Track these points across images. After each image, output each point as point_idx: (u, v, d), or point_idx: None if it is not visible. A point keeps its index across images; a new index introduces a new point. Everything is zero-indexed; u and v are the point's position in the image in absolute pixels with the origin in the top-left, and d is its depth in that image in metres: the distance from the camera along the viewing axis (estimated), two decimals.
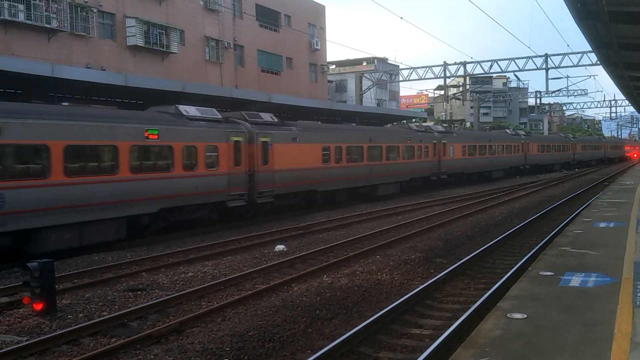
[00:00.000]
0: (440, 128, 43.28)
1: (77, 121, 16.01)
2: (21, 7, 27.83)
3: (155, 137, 17.99)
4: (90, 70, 25.05)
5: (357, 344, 8.49)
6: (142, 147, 17.72)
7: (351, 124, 34.99)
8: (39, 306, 10.19)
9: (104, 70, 29.73)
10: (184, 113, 19.69)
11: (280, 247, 16.64)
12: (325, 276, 13.13)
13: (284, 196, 24.01)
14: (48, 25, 29.08)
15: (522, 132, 59.66)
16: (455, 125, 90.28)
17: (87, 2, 31.49)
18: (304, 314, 10.04)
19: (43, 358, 8.35)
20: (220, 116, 21.12)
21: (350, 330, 8.76)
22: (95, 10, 32.12)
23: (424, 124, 47.01)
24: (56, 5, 29.56)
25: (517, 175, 50.92)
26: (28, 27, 28.41)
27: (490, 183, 43.42)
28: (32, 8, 28.40)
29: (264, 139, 22.52)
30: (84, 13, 31.49)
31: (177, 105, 20.00)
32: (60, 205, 15.30)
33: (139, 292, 11.98)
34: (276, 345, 8.58)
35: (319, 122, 33.84)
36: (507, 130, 60.89)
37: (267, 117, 23.71)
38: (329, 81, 61.18)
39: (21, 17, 27.89)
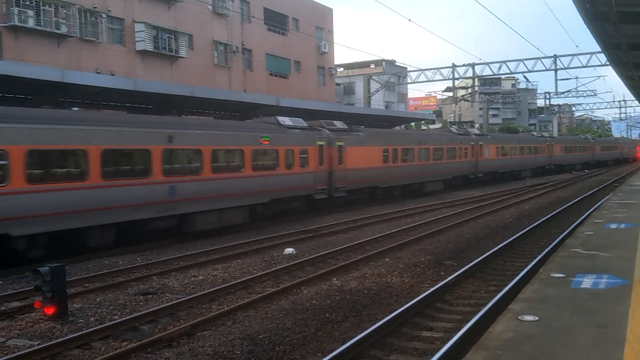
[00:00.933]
0: (476, 131, 47.17)
1: (220, 130, 20.66)
2: (31, 12, 28.04)
3: (267, 142, 22.34)
4: (100, 75, 25.21)
5: (367, 347, 8.48)
6: (259, 150, 22.05)
7: (401, 129, 39.23)
8: (50, 310, 10.24)
9: (113, 75, 29.88)
10: (282, 123, 23.92)
11: (289, 250, 16.65)
12: (334, 279, 13.13)
13: (354, 191, 28.32)
14: (57, 31, 29.28)
15: (546, 135, 63.23)
16: (465, 126, 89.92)
17: (96, 7, 31.68)
18: (314, 317, 10.04)
19: None
20: (307, 125, 25.33)
21: (361, 333, 8.75)
22: (104, 16, 32.32)
23: (431, 126, 47.64)
24: (65, 11, 29.76)
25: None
26: (38, 32, 28.62)
27: (501, 184, 43.33)
28: (41, 14, 28.61)
29: (339, 143, 26.87)
30: (93, 18, 31.69)
31: (276, 117, 24.48)
32: (208, 196, 19.61)
33: (150, 296, 12.02)
34: (287, 348, 8.58)
35: (380, 128, 38.63)
36: (534, 133, 63.90)
37: (339, 124, 28.18)
38: (337, 84, 61.22)
39: (31, 23, 28.10)
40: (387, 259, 15.30)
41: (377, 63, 75.46)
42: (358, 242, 17.83)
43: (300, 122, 25.17)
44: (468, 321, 9.20)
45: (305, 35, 49.04)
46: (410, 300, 10.60)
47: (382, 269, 14.03)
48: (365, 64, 75.80)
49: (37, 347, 8.63)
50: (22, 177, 14.28)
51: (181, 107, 23.63)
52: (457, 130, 42.61)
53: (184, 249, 17.58)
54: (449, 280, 12.22)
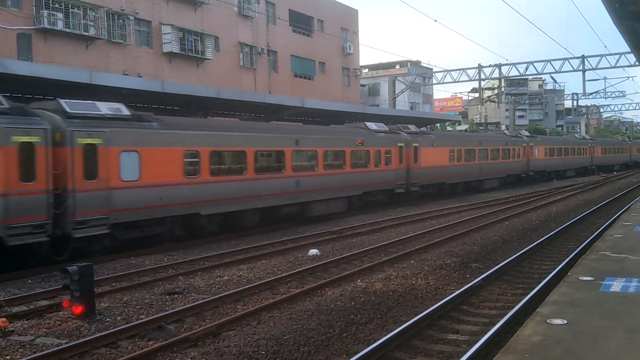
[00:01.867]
0: (527, 133, 50.18)
1: (329, 135, 25.33)
2: (60, 15, 28.50)
3: (361, 144, 26.66)
4: (128, 77, 25.51)
5: (392, 349, 8.45)
6: (355, 151, 26.14)
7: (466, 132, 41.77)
8: (78, 309, 10.37)
9: (141, 76, 30.21)
10: (370, 127, 28.33)
11: (313, 252, 16.67)
12: (359, 280, 13.11)
13: (426, 187, 31.93)
14: (86, 33, 29.72)
15: (587, 137, 67.03)
16: (491, 127, 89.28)
17: (123, 9, 32.08)
18: (338, 318, 10.03)
19: None
20: (388, 129, 29.45)
21: (386, 335, 8.72)
22: (131, 18, 32.71)
23: (458, 127, 48.12)
24: (94, 14, 30.19)
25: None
26: (67, 35, 29.07)
27: (527, 186, 42.89)
28: (70, 16, 29.05)
29: (415, 144, 30.70)
30: (121, 21, 32.09)
31: (365, 122, 28.98)
32: (320, 188, 23.74)
33: (176, 296, 12.13)
34: (311, 349, 8.58)
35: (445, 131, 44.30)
36: (576, 135, 67.75)
37: (413, 127, 32.45)
38: (361, 85, 61.14)
39: (60, 26, 28.56)
40: (412, 261, 15.23)
41: (402, 64, 75.21)
42: (382, 243, 17.78)
43: (383, 126, 29.49)
44: (495, 324, 9.12)
45: (330, 37, 49.05)
46: (436, 303, 10.53)
47: (407, 270, 13.97)
48: (390, 65, 75.59)
49: (65, 346, 8.75)
50: (207, 170, 18.91)
51: (207, 108, 23.79)
52: (511, 133, 47.54)
53: (210, 250, 17.71)
54: (475, 283, 12.12)
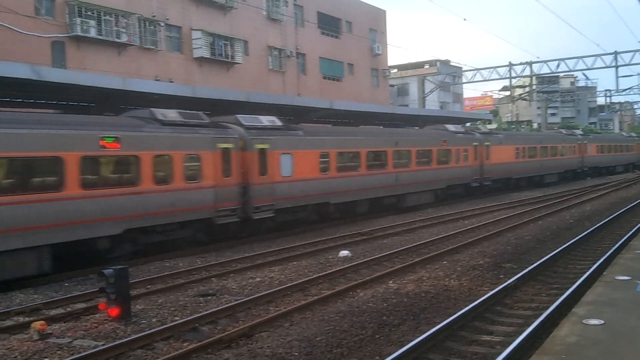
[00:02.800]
0: (580, 132, 54.72)
1: (420, 137, 29.42)
2: (92, 22, 29.00)
3: (445, 143, 30.57)
4: (160, 83, 25.85)
5: (425, 351, 8.41)
6: (440, 150, 30.21)
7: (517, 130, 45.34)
8: (114, 311, 10.54)
9: (172, 81, 30.58)
10: (449, 129, 32.35)
11: (344, 253, 16.68)
12: (391, 282, 13.07)
13: (496, 181, 35.45)
14: (118, 40, 30.19)
15: (634, 134, 70.28)
16: (523, 126, 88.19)
17: (154, 16, 32.52)
18: (370, 319, 10.02)
19: None
20: (464, 129, 34.12)
21: (419, 336, 8.68)
22: (162, 24, 33.14)
23: (488, 126, 48.34)
24: (126, 20, 30.65)
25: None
26: (99, 42, 29.59)
27: (560, 185, 42.30)
28: (102, 23, 29.56)
29: (487, 143, 34.54)
30: (152, 27, 32.54)
31: (445, 125, 32.97)
32: (414, 182, 27.91)
33: (209, 297, 12.25)
34: (344, 350, 8.59)
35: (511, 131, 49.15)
36: (623, 133, 71.34)
37: (483, 129, 38.44)
38: (390, 85, 60.91)
39: (92, 33, 29.06)
40: (444, 262, 15.13)
41: (432, 63, 74.73)
42: (414, 244, 17.70)
43: (460, 128, 33.65)
44: (529, 325, 9.01)
45: (358, 38, 48.99)
46: (469, 304, 10.44)
47: (439, 271, 13.89)
48: (419, 65, 75.18)
49: (102, 348, 8.89)
50: (335, 168, 23.33)
51: (237, 112, 23.95)
52: (566, 132, 51.91)
53: (242, 251, 17.85)
54: (509, 284, 11.98)
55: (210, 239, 18.72)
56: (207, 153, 18.03)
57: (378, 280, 13.24)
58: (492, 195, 34.66)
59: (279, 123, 21.55)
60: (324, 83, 46.39)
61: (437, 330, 8.90)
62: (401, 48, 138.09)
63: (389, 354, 8.00)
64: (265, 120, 21.09)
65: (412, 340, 8.50)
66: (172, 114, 17.85)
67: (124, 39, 30.47)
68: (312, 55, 45.35)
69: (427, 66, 74.68)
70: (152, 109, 17.65)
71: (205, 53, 35.29)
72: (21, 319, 10.93)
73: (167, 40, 33.93)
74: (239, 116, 20.40)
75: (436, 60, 74.27)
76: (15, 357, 8.76)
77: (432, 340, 8.65)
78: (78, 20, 28.42)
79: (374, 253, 16.68)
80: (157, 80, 29.67)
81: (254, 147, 19.78)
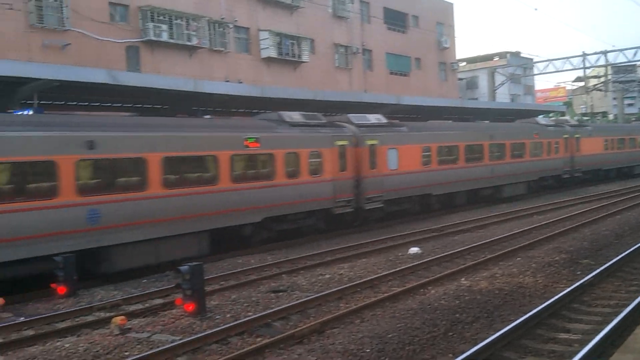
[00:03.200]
0: None
1: (513, 130, 31.09)
2: (164, 27, 29.85)
3: (537, 136, 31.94)
4: (230, 84, 26.30)
5: (500, 349, 8.24)
6: (533, 142, 31.56)
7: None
8: (190, 307, 10.85)
9: (241, 82, 31.08)
10: (540, 122, 34.16)
11: (414, 250, 16.53)
12: (463, 279, 12.88)
13: (586, 172, 36.40)
14: (189, 43, 30.94)
15: None
16: (598, 117, 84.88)
17: (223, 18, 33.14)
18: (443, 317, 9.91)
19: (195, 356, 8.86)
20: (554, 122, 35.86)
21: (493, 334, 8.52)
22: (231, 26, 33.72)
23: (561, 117, 46.74)
24: (196, 24, 31.38)
25: None
26: (171, 45, 30.42)
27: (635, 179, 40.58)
28: (174, 27, 30.37)
29: (576, 135, 35.46)
30: (221, 29, 33.17)
31: (535, 118, 34.74)
32: (508, 174, 29.42)
33: (280, 294, 12.43)
34: (416, 348, 8.53)
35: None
36: None
37: (572, 122, 38.88)
38: (459, 79, 59.84)
39: (164, 37, 29.91)
40: (518, 258, 14.78)
41: (501, 55, 72.94)
42: (486, 241, 17.37)
43: (549, 121, 35.95)
44: (609, 322, 8.69)
45: (425, 32, 48.39)
46: (545, 301, 10.17)
47: (513, 268, 13.57)
48: (488, 57, 73.53)
49: (179, 342, 9.16)
50: (436, 161, 24.98)
51: (305, 110, 24.16)
52: None
53: (310, 249, 17.99)
54: (586, 280, 11.59)
55: (328, 227, 20.92)
56: (326, 150, 20.14)
57: (450, 277, 13.08)
58: (583, 186, 35.64)
59: (384, 120, 23.46)
60: (391, 79, 46.05)
61: (512, 327, 8.71)
62: (469, 41, 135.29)
63: (463, 352, 7.89)
64: (373, 118, 23.03)
65: (486, 338, 8.35)
66: (296, 116, 20.09)
67: (194, 42, 31.18)
68: (379, 51, 45.10)
69: (496, 58, 72.97)
70: (280, 112, 19.98)
71: (273, 53, 35.66)
72: (102, 315, 11.41)
73: (235, 42, 34.50)
74: (350, 115, 22.46)
75: (506, 52, 72.44)
76: (98, 351, 9.14)
77: (506, 338, 8.48)
78: (151, 25, 29.30)
79: (445, 250, 16.47)
80: (227, 81, 30.20)
81: (365, 143, 21.67)
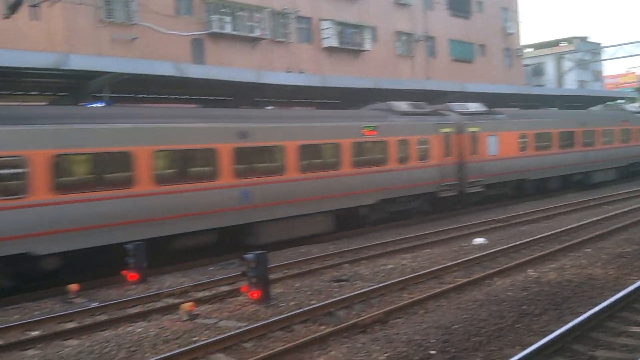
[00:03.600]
0: None
1: (602, 117, 32.04)
2: (228, 19, 30.29)
3: (625, 123, 32.68)
4: (291, 74, 26.49)
5: (570, 342, 8.03)
6: (621, 130, 32.12)
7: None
8: (255, 294, 11.04)
9: (302, 73, 31.24)
10: (627, 109, 34.88)
11: (479, 240, 16.29)
12: (530, 270, 12.61)
13: None
14: (251, 34, 31.30)
15: None
16: None
17: (285, 9, 33.34)
18: (509, 308, 9.72)
19: (261, 342, 9.00)
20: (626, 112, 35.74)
21: (562, 326, 8.31)
22: (293, 16, 33.90)
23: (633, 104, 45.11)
24: (258, 15, 31.70)
25: None
26: (234, 37, 30.85)
27: None
28: (237, 19, 30.79)
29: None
30: (283, 20, 33.39)
31: (621, 104, 35.52)
32: (598, 160, 30.04)
33: (343, 283, 12.49)
34: (483, 339, 8.42)
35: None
36: None
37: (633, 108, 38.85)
38: (524, 65, 58.26)
39: (228, 29, 30.36)
40: (587, 250, 14.34)
41: (569, 41, 70.57)
42: (554, 231, 16.93)
43: (637, 107, 36.52)
44: None
45: (489, 18, 47.31)
46: (616, 293, 9.83)
47: (582, 259, 13.19)
48: (554, 43, 71.29)
49: (245, 329, 9.33)
50: (532, 147, 26.01)
51: (366, 99, 24.10)
52: None
53: (372, 239, 17.97)
54: None
55: (432, 210, 22.29)
56: (432, 137, 21.51)
57: (516, 268, 12.82)
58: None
59: (483, 108, 24.49)
60: (454, 66, 45.28)
61: (582, 320, 8.47)
62: (535, 26, 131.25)
63: (531, 344, 7.74)
64: (472, 106, 24.14)
65: (555, 331, 8.16)
66: (404, 106, 21.40)
67: (257, 33, 31.52)
68: (442, 38, 44.41)
69: (564, 44, 70.64)
70: (389, 102, 21.31)
71: (334, 42, 35.64)
72: (171, 301, 11.74)
73: (297, 32, 34.67)
74: (451, 104, 23.56)
75: (573, 38, 70.06)
76: (167, 336, 9.42)
77: (576, 330, 8.25)
78: (215, 17, 29.79)
79: (511, 240, 16.13)
80: (289, 71, 30.41)
81: (467, 130, 22.89)
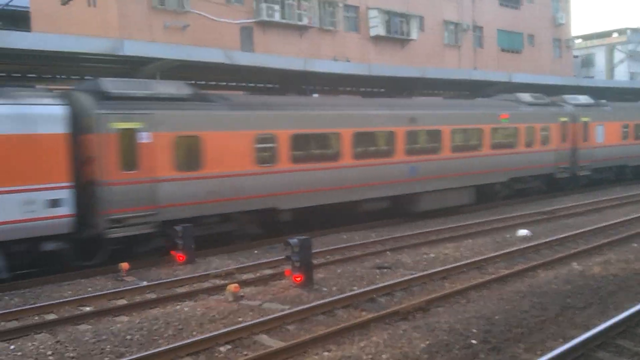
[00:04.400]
0: None
1: None
2: (276, 7, 30.49)
3: None
4: (338, 63, 26.49)
5: (614, 337, 8.00)
6: None
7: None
8: (298, 278, 11.28)
9: (349, 61, 31.24)
10: None
11: (523, 232, 16.18)
12: (575, 263, 12.51)
13: None
14: (299, 23, 31.42)
15: None
16: None
17: None
18: (552, 301, 9.71)
19: (303, 326, 9.21)
20: None
21: (606, 321, 8.28)
22: (341, 5, 33.86)
23: None
24: (307, 3, 31.78)
25: None
26: (282, 25, 31.02)
27: None
28: (285, 8, 30.96)
29: None
30: (331, 8, 33.40)
31: None
32: None
33: (385, 270, 12.62)
34: (524, 331, 8.45)
35: None
36: None
37: None
38: (574, 56, 56.86)
39: (277, 17, 30.56)
40: (634, 244, 14.14)
41: (621, 32, 68.45)
42: (600, 225, 16.68)
43: None
44: None
45: (540, 8, 46.32)
46: None
47: (629, 254, 13.00)
48: (606, 34, 69.16)
49: (288, 311, 9.56)
50: (632, 136, 28.76)
51: (412, 88, 23.98)
52: None
53: (415, 227, 18.01)
54: None
55: (548, 190, 24.82)
56: (552, 125, 24.31)
57: (560, 261, 12.74)
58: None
59: (591, 100, 27.08)
60: (502, 56, 44.56)
61: (627, 315, 8.41)
62: (586, 16, 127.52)
63: (573, 337, 7.75)
64: (582, 98, 26.83)
65: (599, 325, 8.13)
66: (527, 97, 24.23)
67: (305, 21, 31.62)
68: (490, 28, 43.71)
69: (615, 35, 68.55)
70: (516, 94, 24.39)
71: (381, 31, 35.46)
72: (217, 282, 12.08)
73: (344, 21, 34.63)
74: (564, 96, 26.30)
75: (626, 29, 67.91)
76: (214, 315, 9.73)
77: (621, 325, 8.21)
78: (264, 5, 30.00)
79: (556, 233, 15.98)
80: (335, 60, 30.45)
81: (580, 119, 25.56)
